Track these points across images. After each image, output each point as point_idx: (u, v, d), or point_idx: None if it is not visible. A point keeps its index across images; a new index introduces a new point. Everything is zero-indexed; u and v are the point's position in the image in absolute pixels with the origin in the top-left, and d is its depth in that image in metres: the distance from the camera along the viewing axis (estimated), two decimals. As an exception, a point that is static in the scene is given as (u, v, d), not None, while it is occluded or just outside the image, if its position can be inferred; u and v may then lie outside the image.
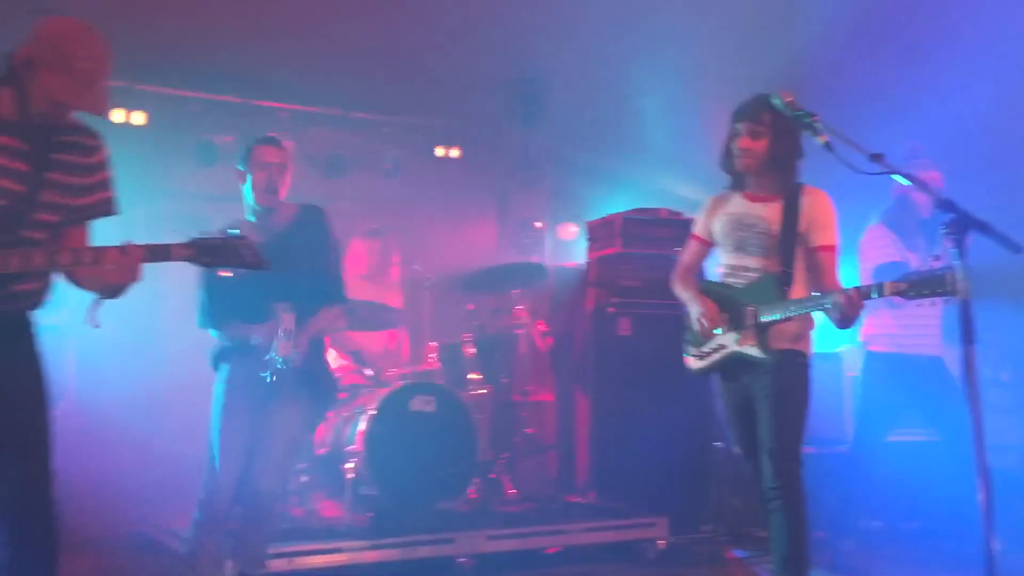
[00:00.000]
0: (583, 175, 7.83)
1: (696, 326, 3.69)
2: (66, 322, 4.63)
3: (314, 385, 3.86)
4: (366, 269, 6.12)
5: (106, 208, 2.95)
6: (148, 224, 5.52)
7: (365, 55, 6.33)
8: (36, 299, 2.84)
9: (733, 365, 3.63)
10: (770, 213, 3.60)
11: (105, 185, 2.94)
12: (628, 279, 6.04)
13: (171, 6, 5.68)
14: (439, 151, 7.48)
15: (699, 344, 3.72)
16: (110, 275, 2.71)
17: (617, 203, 6.77)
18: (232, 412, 3.78)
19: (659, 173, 7.63)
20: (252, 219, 3.91)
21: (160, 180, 6.30)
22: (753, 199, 3.67)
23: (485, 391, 5.70)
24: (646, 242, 6.06)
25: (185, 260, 2.73)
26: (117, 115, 6.16)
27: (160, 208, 6.03)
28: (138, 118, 6.30)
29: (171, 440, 5.77)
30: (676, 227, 5.83)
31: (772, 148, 3.54)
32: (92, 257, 2.67)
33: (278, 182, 3.86)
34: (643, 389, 5.82)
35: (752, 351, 3.53)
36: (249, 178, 3.86)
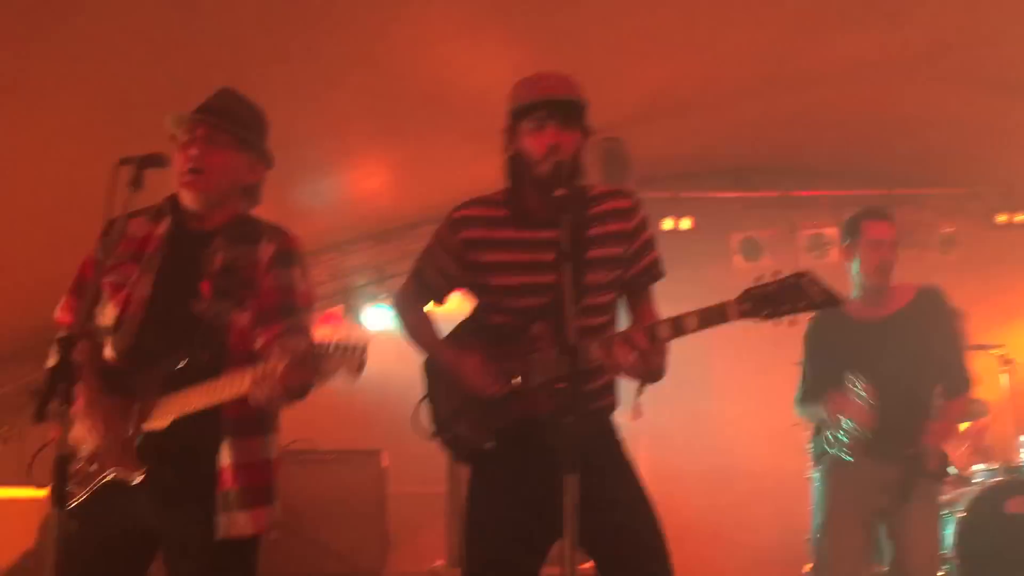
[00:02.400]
0: None
1: None
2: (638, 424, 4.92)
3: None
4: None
5: (655, 272, 2.70)
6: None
7: (909, 128, 6.02)
8: (611, 398, 2.69)
9: None
10: None
11: (650, 247, 2.69)
12: None
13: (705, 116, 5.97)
14: (1001, 218, 6.78)
15: None
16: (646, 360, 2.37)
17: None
18: (842, 512, 3.64)
19: None
20: (858, 295, 3.80)
21: (705, 279, 6.55)
22: None
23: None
24: None
25: (743, 317, 2.34)
26: (666, 223, 6.56)
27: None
28: (685, 223, 6.65)
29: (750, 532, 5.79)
30: None
31: None
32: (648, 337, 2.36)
33: (890, 261, 3.72)
34: None
35: None
36: (857, 258, 3.77)
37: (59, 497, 2.01)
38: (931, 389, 3.68)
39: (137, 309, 2.49)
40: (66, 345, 2.11)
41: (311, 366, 2.12)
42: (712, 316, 2.34)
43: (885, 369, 3.58)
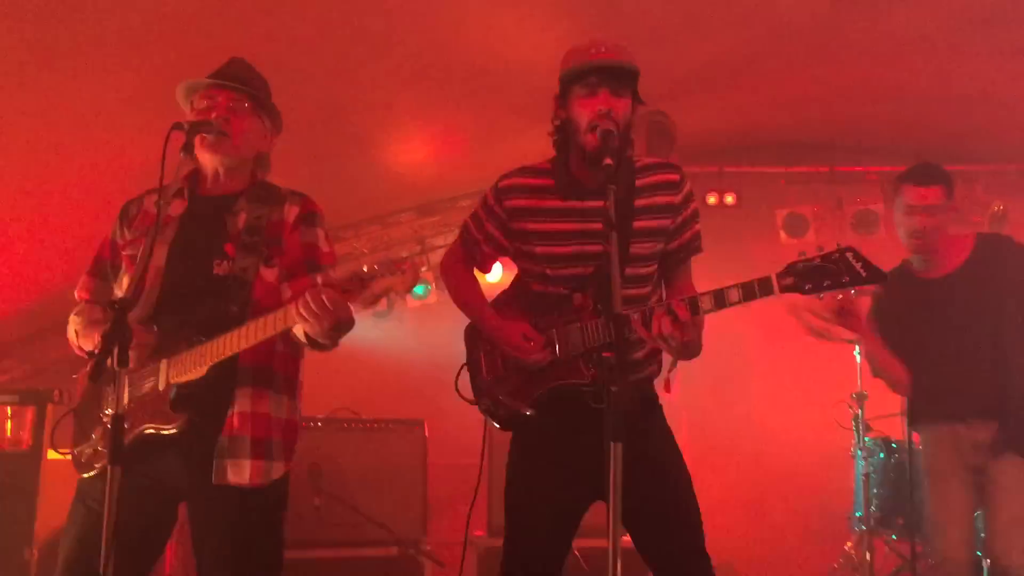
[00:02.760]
0: None
1: None
2: (678, 398, 4.93)
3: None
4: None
5: (694, 246, 2.70)
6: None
7: (960, 103, 5.90)
8: (654, 367, 2.71)
9: None
10: None
11: (693, 220, 2.68)
12: None
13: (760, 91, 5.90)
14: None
15: None
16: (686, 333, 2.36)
17: None
18: (943, 472, 3.49)
19: None
20: (914, 257, 3.62)
21: (750, 255, 6.50)
22: None
23: None
24: None
25: (785, 291, 2.34)
26: (710, 198, 6.51)
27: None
28: (729, 198, 6.60)
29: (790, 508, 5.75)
30: None
31: None
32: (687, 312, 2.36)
33: (929, 227, 3.44)
34: None
35: None
36: (897, 221, 3.55)
37: (115, 455, 2.05)
38: (1013, 338, 3.45)
39: (154, 278, 2.52)
40: (121, 309, 2.15)
41: (356, 289, 2.17)
42: (754, 290, 2.35)
43: (955, 326, 3.45)
